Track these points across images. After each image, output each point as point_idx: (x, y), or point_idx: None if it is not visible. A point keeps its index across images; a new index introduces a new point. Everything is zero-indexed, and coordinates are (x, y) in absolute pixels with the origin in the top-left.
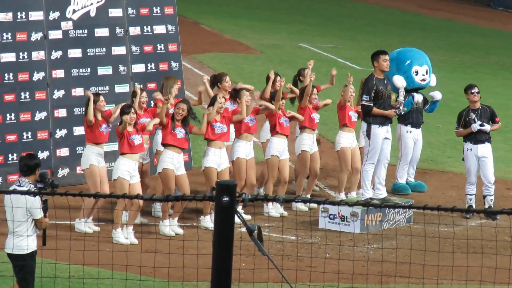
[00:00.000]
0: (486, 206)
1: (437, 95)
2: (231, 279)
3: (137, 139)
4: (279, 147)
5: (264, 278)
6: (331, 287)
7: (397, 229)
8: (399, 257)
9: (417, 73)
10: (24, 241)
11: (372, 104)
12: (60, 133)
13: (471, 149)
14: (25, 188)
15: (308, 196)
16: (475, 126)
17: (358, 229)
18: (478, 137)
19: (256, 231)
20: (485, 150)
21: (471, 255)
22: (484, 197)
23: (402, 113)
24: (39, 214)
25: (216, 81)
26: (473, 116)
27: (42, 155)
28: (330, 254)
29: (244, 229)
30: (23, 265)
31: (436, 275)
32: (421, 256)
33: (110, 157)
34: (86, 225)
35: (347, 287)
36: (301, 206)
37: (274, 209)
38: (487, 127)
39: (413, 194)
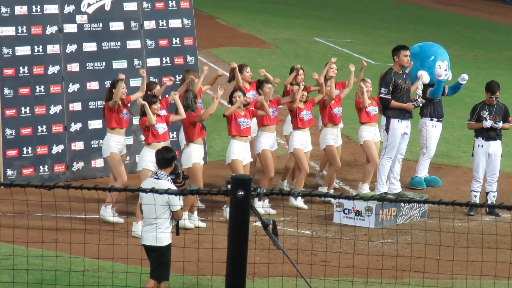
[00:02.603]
0: (489, 202)
1: (464, 77)
2: (246, 273)
3: (161, 128)
4: (301, 139)
5: (278, 272)
6: (345, 281)
7: (411, 224)
8: (413, 252)
9: (440, 68)
10: (163, 233)
11: (390, 97)
12: (75, 126)
13: (482, 146)
14: (162, 180)
15: (332, 190)
16: (486, 123)
17: (372, 224)
18: (490, 134)
19: (271, 226)
20: (495, 147)
21: (485, 250)
22: (487, 193)
23: (421, 105)
24: (178, 206)
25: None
26: (486, 113)
27: (57, 148)
28: (345, 248)
29: (259, 224)
30: (160, 256)
31: (451, 270)
32: (435, 251)
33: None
34: (112, 213)
35: (362, 282)
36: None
37: (302, 201)
38: (499, 124)
39: (428, 189)
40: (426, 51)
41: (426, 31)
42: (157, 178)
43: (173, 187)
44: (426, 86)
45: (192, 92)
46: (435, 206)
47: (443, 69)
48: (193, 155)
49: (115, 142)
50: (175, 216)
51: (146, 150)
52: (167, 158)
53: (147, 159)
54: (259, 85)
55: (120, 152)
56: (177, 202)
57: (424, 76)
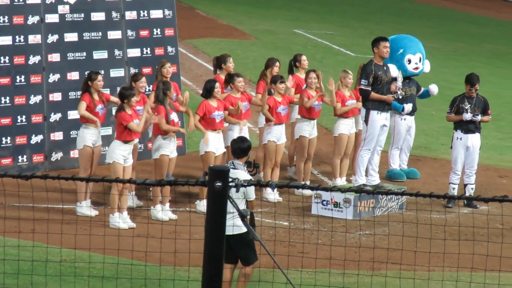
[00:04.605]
0: (467, 195)
1: (434, 90)
2: (223, 264)
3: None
4: (276, 132)
5: (256, 264)
6: (323, 273)
7: (389, 216)
8: (391, 244)
9: (409, 61)
10: (240, 221)
11: (370, 89)
12: (55, 117)
13: (461, 138)
14: (239, 170)
15: (308, 181)
16: (467, 116)
17: (350, 216)
18: (469, 127)
19: (248, 217)
20: (474, 140)
21: (462, 242)
22: (465, 185)
23: (400, 97)
24: (254, 195)
25: (220, 62)
26: (466, 105)
27: (36, 138)
28: (322, 240)
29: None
30: (245, 243)
31: (428, 262)
32: (413, 243)
33: (103, 141)
34: (89, 209)
35: (339, 273)
36: (306, 192)
37: (272, 194)
38: (478, 118)
39: (406, 181)
40: (395, 45)
41: (407, 24)
42: (234, 168)
43: (249, 176)
44: (405, 79)
45: (165, 83)
46: (413, 198)
47: (413, 63)
48: (162, 147)
49: (90, 135)
50: (249, 206)
51: (116, 143)
52: (243, 148)
53: (118, 152)
54: (229, 79)
55: (94, 144)
56: (253, 193)
57: (392, 69)
